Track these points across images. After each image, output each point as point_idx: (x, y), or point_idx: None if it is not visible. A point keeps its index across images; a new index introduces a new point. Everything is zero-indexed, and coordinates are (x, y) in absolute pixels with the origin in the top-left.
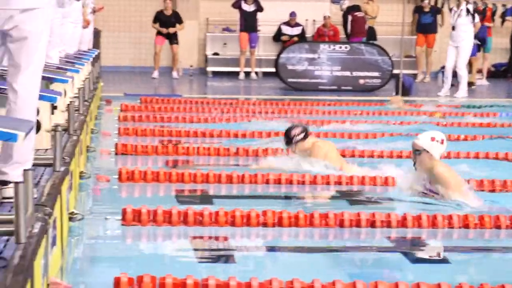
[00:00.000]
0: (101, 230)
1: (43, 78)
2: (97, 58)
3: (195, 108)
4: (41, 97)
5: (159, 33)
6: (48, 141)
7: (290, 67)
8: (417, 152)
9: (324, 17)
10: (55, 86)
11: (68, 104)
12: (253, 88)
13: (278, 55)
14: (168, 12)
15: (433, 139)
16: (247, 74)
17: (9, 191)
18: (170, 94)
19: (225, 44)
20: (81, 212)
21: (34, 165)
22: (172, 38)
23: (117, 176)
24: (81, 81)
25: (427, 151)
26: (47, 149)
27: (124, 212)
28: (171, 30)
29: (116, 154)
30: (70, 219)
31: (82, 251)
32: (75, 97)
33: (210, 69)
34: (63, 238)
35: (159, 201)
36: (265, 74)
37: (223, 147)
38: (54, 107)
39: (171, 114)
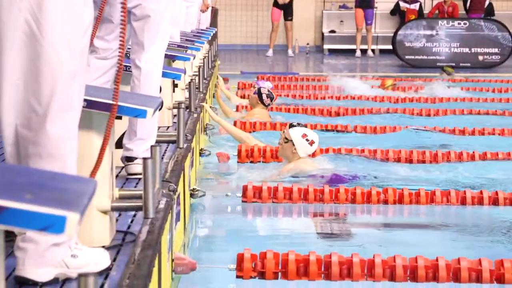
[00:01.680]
0: (222, 207)
1: (166, 56)
2: (214, 37)
3: (312, 86)
4: (165, 75)
5: (275, 4)
6: (169, 119)
7: (407, 44)
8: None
9: None
10: (176, 64)
11: (189, 82)
12: (370, 66)
13: (396, 32)
14: None
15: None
16: (364, 51)
17: (134, 167)
18: (287, 72)
19: (341, 21)
20: (202, 189)
21: (156, 142)
22: (287, 14)
23: (236, 154)
24: (199, 59)
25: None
26: (168, 127)
27: (245, 189)
28: None
29: None
30: (192, 195)
31: (204, 227)
32: (194, 75)
33: (326, 46)
34: (186, 214)
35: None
36: (382, 51)
37: (341, 124)
38: (175, 85)
39: (288, 91)
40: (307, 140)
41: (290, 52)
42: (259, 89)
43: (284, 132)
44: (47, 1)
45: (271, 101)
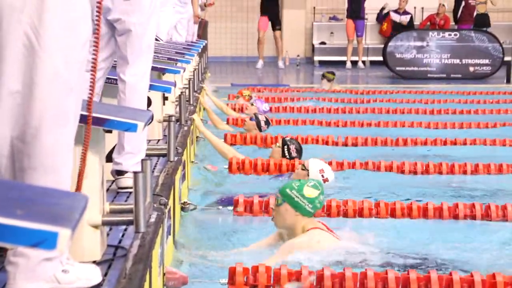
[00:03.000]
0: (213, 220)
1: (156, 69)
2: (204, 49)
3: (303, 97)
4: (155, 88)
5: (262, 14)
6: (159, 132)
7: (398, 55)
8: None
9: (440, 6)
10: (166, 77)
11: (180, 95)
12: (361, 77)
13: (386, 44)
14: None
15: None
16: (354, 63)
17: (124, 181)
18: (278, 84)
19: (332, 33)
20: (193, 202)
21: (147, 155)
22: (275, 23)
23: (227, 166)
24: (190, 72)
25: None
26: (158, 140)
27: (236, 202)
28: None
29: None
30: (183, 209)
31: (195, 240)
32: (184, 88)
33: (317, 58)
34: (177, 228)
35: (270, 190)
36: (373, 63)
37: (332, 136)
38: (165, 98)
39: (279, 104)
40: (322, 176)
41: (280, 64)
42: (256, 116)
43: (277, 145)
44: (47, 13)
45: (268, 127)
